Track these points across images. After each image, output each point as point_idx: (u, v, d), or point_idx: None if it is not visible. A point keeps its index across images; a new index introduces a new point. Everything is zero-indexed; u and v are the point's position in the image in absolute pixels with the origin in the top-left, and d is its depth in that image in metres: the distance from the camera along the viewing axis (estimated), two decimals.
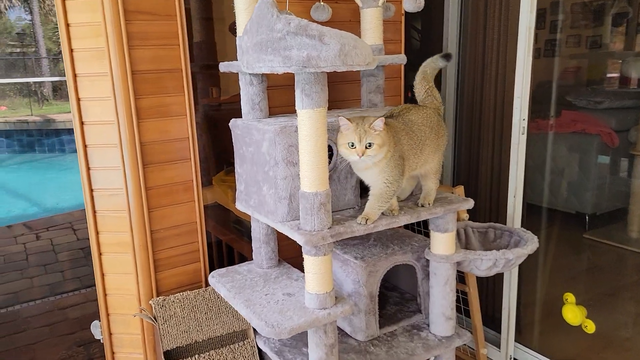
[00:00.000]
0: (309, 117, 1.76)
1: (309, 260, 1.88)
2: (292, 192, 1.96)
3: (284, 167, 1.94)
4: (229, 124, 2.22)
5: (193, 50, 2.71)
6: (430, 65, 2.18)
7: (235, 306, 2.03)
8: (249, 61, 1.69)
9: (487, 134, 3.07)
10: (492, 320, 3.18)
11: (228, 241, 3.30)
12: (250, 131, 2.06)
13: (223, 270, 2.33)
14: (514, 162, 2.80)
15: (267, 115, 2.19)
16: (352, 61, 1.57)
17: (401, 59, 2.39)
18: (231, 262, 3.21)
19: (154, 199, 2.27)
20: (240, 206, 2.25)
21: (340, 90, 2.67)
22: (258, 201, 2.09)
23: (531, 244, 2.34)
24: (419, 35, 3.57)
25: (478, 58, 3.06)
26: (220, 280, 2.22)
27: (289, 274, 2.26)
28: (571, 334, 2.97)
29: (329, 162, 2.02)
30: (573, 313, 2.78)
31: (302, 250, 1.88)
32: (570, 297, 2.84)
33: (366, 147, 1.80)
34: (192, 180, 2.35)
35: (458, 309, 2.76)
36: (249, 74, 2.10)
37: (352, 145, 1.81)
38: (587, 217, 3.34)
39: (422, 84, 2.19)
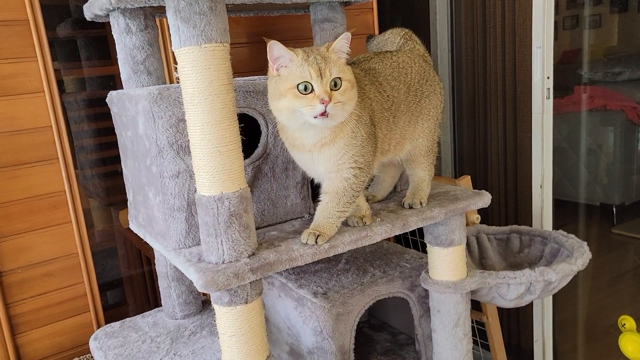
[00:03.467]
0: (193, 60, 0.98)
1: (221, 315, 1.09)
2: (192, 199, 1.17)
3: (172, 158, 1.15)
4: (106, 100, 1.43)
5: None
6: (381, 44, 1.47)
7: None
8: None
9: (495, 104, 2.29)
10: (519, 353, 2.40)
11: None
12: (124, 104, 1.27)
13: (116, 325, 1.53)
14: (538, 140, 2.04)
15: (162, 81, 1.41)
16: None
17: None
18: None
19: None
20: (132, 225, 1.46)
21: None
22: (146, 216, 1.30)
23: (580, 254, 1.56)
24: None
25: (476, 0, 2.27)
26: (105, 344, 1.42)
27: (213, 326, 1.46)
28: None
29: (257, 146, 1.25)
30: (635, 345, 1.99)
31: (211, 298, 1.10)
32: (628, 322, 2.05)
33: (332, 89, 1.02)
34: (65, 190, 1.56)
35: (474, 342, 1.97)
36: (122, 15, 1.31)
37: (307, 89, 1.02)
38: (614, 209, 2.83)
39: (395, 32, 1.41)
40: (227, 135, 1.03)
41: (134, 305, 2.52)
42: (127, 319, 1.55)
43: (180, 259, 1.13)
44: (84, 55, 1.78)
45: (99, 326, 1.67)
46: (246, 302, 1.08)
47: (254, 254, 1.10)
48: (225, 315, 1.09)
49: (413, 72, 1.29)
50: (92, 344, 1.45)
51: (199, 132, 1.02)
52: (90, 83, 1.85)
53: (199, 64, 0.98)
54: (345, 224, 1.23)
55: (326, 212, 1.16)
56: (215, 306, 1.11)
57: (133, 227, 1.46)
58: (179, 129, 1.14)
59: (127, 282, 2.54)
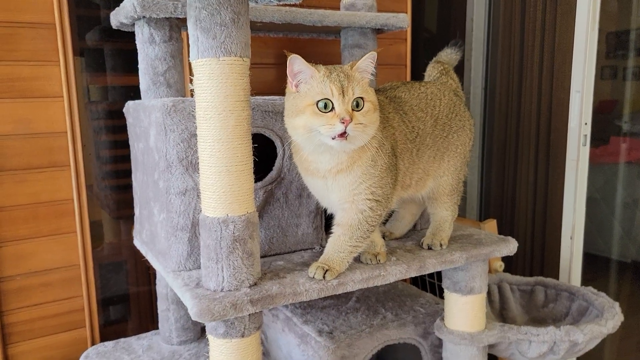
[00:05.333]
0: (209, 73, 0.92)
1: (215, 347, 1.01)
2: (198, 219, 1.11)
3: (181, 174, 1.09)
4: (123, 110, 1.39)
5: None
6: (444, 56, 1.38)
7: None
8: None
9: (528, 147, 2.19)
10: None
11: None
12: (139, 115, 1.22)
13: (110, 345, 1.46)
14: (571, 188, 1.93)
15: (181, 94, 1.36)
16: None
17: (401, 20, 1.56)
18: None
19: (1, 227, 1.43)
20: (136, 241, 1.40)
21: None
22: (150, 233, 1.24)
23: (610, 316, 1.43)
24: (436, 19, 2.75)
25: (515, 39, 2.20)
26: None
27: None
28: None
29: (272, 169, 1.18)
30: None
31: (206, 328, 1.02)
32: None
33: (353, 109, 0.96)
34: (73, 199, 1.52)
35: None
36: (147, 24, 1.28)
37: (327, 107, 0.95)
38: None
39: (435, 67, 1.35)
40: (239, 154, 0.97)
41: (137, 323, 2.44)
42: (122, 340, 1.48)
43: (178, 282, 1.06)
44: (109, 65, 1.76)
45: (93, 343, 1.60)
46: (243, 336, 1.00)
47: (255, 284, 1.02)
48: (219, 348, 1.01)
49: (442, 104, 1.22)
50: None
51: (209, 148, 0.96)
52: (113, 93, 1.83)
53: (216, 78, 0.93)
54: (357, 260, 1.14)
55: (337, 246, 1.08)
56: (209, 337, 1.03)
57: (137, 243, 1.40)
58: (191, 144, 1.09)
59: (132, 298, 2.47)
